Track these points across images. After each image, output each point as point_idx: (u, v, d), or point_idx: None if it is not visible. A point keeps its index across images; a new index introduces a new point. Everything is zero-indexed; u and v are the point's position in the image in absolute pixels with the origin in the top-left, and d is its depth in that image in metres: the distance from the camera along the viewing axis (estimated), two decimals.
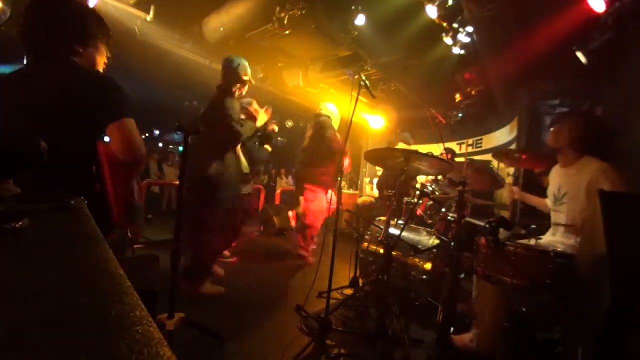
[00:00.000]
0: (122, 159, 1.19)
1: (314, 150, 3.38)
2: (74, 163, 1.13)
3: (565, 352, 1.55)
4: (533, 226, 2.35)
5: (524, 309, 1.72)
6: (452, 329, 1.88)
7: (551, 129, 2.04)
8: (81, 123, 1.15)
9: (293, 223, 3.67)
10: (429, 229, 2.72)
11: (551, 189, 2.00)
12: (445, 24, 3.06)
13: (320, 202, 3.39)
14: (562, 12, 2.42)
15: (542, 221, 2.16)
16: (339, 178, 2.29)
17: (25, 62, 1.23)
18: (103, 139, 1.19)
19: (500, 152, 2.88)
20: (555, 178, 1.99)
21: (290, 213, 4.55)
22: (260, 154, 3.03)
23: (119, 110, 1.16)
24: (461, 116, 5.05)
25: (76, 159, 1.14)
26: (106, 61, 1.37)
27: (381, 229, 2.40)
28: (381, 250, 2.54)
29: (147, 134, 11.99)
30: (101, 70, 1.34)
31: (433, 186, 3.17)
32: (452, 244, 1.86)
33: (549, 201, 2.02)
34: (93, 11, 1.28)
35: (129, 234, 1.27)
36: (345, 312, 2.28)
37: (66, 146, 1.08)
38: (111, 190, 1.21)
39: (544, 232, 2.03)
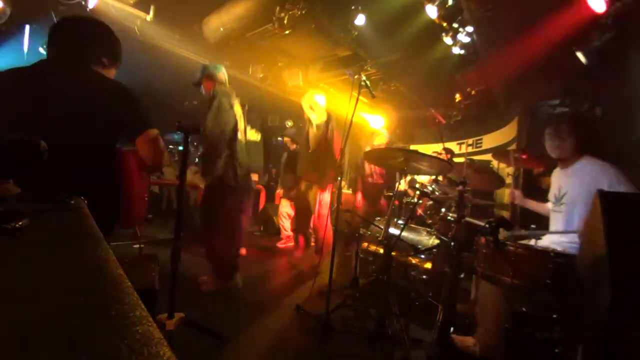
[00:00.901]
0: (149, 164, 1.30)
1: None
2: (89, 163, 1.18)
3: (565, 352, 1.55)
4: (533, 226, 2.35)
5: (524, 309, 1.72)
6: (452, 329, 1.88)
7: (549, 142, 1.93)
8: (101, 127, 1.20)
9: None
10: (429, 229, 2.72)
11: (552, 191, 2.00)
12: (445, 24, 3.07)
13: None
14: (562, 12, 2.42)
15: (542, 222, 2.16)
16: (339, 178, 2.29)
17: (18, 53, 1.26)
18: (124, 143, 1.28)
19: (500, 152, 2.88)
20: (556, 179, 1.99)
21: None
22: None
23: (145, 121, 1.27)
24: (461, 116, 5.05)
25: (91, 159, 1.19)
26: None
27: (381, 229, 2.40)
28: (381, 250, 2.54)
29: None
30: None
31: (433, 186, 3.17)
32: (452, 244, 1.86)
33: (550, 203, 2.02)
34: (117, 39, 1.39)
35: (138, 232, 1.34)
36: (345, 312, 2.28)
37: (83, 147, 1.15)
38: (135, 192, 1.33)
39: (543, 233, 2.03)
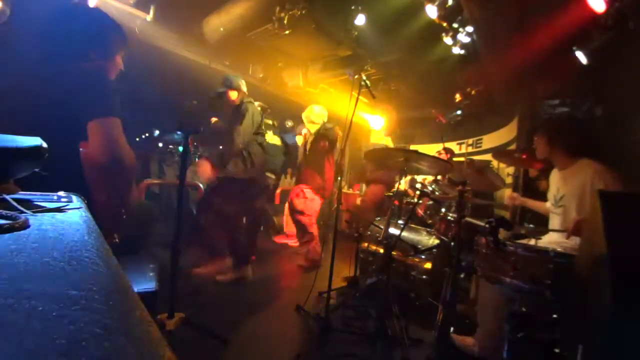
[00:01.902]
0: (101, 161, 1.10)
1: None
2: (71, 163, 1.13)
3: (565, 352, 1.55)
4: (532, 226, 2.35)
5: (524, 309, 1.72)
6: (452, 328, 1.88)
7: (535, 147, 2.02)
8: (74, 122, 1.13)
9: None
10: (429, 229, 2.72)
11: (551, 192, 2.01)
12: (445, 24, 3.06)
13: None
14: (562, 12, 2.42)
15: (542, 222, 2.16)
16: (339, 178, 2.30)
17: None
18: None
19: (500, 152, 2.88)
20: (555, 181, 2.00)
21: None
22: None
23: (100, 107, 1.11)
24: (461, 115, 5.04)
25: (71, 159, 1.14)
26: (119, 71, 1.39)
27: (381, 229, 2.40)
28: (381, 250, 2.54)
29: (147, 134, 11.98)
30: (112, 79, 1.35)
31: (433, 186, 3.17)
32: (452, 244, 1.86)
33: (549, 204, 2.02)
34: (116, 25, 1.33)
35: (116, 240, 1.22)
36: (345, 312, 2.28)
37: (61, 146, 1.09)
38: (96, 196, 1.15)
39: (543, 233, 2.03)
